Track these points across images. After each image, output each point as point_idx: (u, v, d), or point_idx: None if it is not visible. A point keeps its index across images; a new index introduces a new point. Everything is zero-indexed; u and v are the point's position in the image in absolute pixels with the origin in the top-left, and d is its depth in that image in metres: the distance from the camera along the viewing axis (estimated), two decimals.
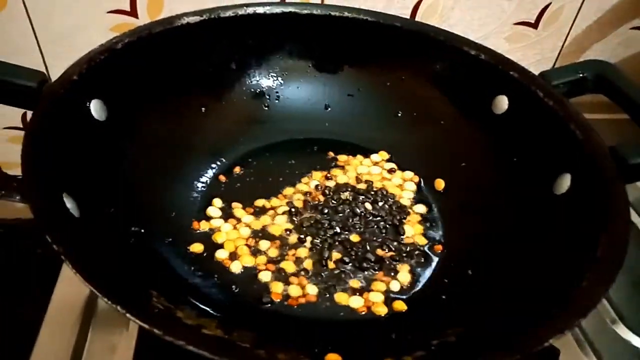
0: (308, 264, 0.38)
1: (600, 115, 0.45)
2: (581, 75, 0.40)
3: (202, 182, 0.42)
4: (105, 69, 0.36)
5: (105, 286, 0.25)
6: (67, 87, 0.34)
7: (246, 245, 0.38)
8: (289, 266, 0.37)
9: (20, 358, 0.36)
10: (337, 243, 0.39)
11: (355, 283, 0.37)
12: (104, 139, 0.36)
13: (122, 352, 0.37)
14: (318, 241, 0.39)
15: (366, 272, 0.37)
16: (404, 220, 0.41)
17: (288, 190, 0.43)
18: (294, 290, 0.36)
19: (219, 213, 0.40)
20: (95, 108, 0.36)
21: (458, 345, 0.30)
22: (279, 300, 0.35)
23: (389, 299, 0.36)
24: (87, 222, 0.31)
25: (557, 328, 0.24)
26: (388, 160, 0.46)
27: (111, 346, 0.37)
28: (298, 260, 0.38)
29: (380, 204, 0.42)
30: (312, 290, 0.36)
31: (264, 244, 0.39)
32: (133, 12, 0.47)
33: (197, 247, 0.38)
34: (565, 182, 0.35)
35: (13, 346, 0.38)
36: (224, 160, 0.44)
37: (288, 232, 0.40)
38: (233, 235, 0.39)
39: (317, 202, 0.42)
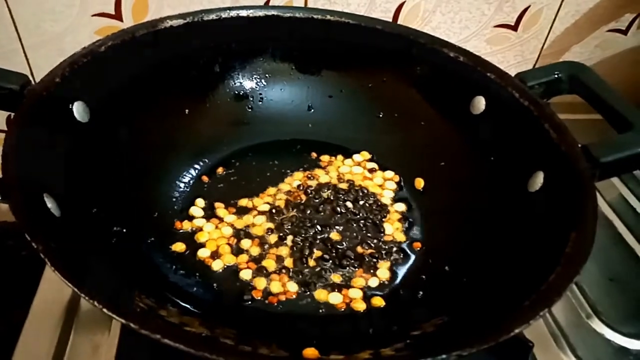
0: (289, 262, 0.38)
1: (576, 115, 0.46)
2: (556, 76, 0.40)
3: (185, 183, 0.43)
4: (88, 71, 0.37)
5: (84, 283, 0.25)
6: (49, 89, 0.34)
7: (228, 244, 0.39)
8: (269, 264, 0.38)
9: (2, 358, 0.36)
10: (317, 241, 0.39)
11: (335, 279, 0.37)
12: (87, 141, 0.36)
13: (104, 352, 0.37)
14: (299, 239, 0.39)
15: (346, 270, 0.38)
16: (384, 219, 0.42)
17: (270, 190, 0.43)
18: (274, 287, 0.36)
19: (202, 213, 0.41)
20: (78, 110, 0.36)
21: (435, 336, 0.30)
22: (259, 297, 0.36)
23: (367, 295, 0.37)
24: (68, 221, 0.31)
25: (524, 318, 0.25)
26: (369, 160, 0.47)
27: (93, 347, 0.38)
28: (279, 259, 0.38)
29: (361, 202, 0.43)
30: (293, 287, 0.37)
31: (245, 243, 0.39)
32: (118, 16, 0.48)
33: (179, 247, 0.38)
34: (538, 180, 0.36)
35: None
36: (207, 161, 0.44)
37: (269, 231, 0.40)
38: (215, 235, 0.39)
39: (298, 202, 0.42)
